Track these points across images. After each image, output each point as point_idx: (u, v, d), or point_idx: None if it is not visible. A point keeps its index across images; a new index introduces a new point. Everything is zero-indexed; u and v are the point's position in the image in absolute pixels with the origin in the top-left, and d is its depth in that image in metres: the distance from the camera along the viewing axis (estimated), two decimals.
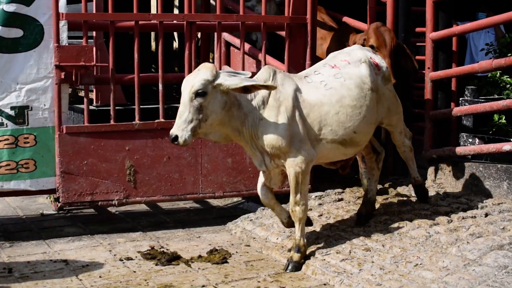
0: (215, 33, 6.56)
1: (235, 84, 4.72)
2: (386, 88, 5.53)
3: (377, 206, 6.09)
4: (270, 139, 4.90)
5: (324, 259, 5.06)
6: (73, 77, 5.83)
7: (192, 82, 4.72)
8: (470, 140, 6.72)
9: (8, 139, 5.80)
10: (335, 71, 5.25)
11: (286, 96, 4.95)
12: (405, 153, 5.93)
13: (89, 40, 6.21)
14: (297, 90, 5.03)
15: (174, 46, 11.56)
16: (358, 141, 5.27)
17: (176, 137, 4.67)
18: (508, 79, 6.91)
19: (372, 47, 5.97)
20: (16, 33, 5.83)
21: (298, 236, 5.09)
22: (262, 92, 4.93)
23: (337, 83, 5.18)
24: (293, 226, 5.20)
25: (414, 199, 6.20)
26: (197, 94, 4.68)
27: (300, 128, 4.97)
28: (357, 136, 5.23)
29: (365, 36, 6.22)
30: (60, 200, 5.88)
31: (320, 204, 6.25)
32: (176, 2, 10.65)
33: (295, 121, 4.96)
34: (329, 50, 6.93)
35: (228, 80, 4.75)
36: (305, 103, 5.02)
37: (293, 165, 4.96)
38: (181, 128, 4.68)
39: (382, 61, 5.57)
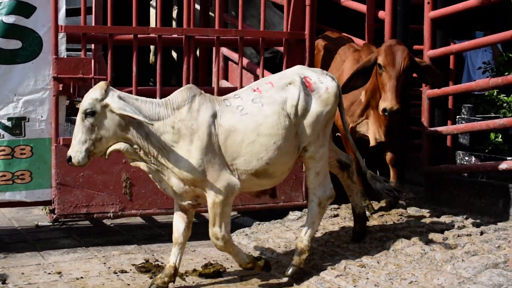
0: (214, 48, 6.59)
1: (118, 108, 4.55)
2: (321, 112, 5.02)
3: (373, 222, 6.09)
4: (183, 171, 4.67)
5: (319, 275, 5.05)
6: (71, 89, 5.84)
7: (82, 102, 4.63)
8: (467, 158, 6.74)
9: (4, 150, 5.80)
10: (255, 95, 4.91)
11: (200, 123, 4.71)
12: (311, 205, 5.16)
13: (87, 53, 6.23)
14: (214, 115, 4.77)
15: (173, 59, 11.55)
16: (272, 172, 4.90)
17: (70, 157, 4.59)
18: (505, 97, 6.94)
19: (380, 66, 5.72)
20: (15, 44, 5.85)
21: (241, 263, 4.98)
22: (176, 116, 4.72)
23: (255, 109, 4.85)
24: None
25: (409, 215, 6.20)
26: (86, 113, 4.55)
27: (218, 156, 4.74)
28: (270, 168, 4.87)
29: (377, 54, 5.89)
30: (56, 211, 5.87)
31: None
32: (174, 15, 10.68)
33: (211, 150, 4.72)
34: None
35: (115, 102, 4.56)
36: (221, 129, 4.76)
37: (211, 196, 4.75)
38: (75, 149, 4.58)
39: (322, 81, 5.09)
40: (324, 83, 5.10)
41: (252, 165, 4.81)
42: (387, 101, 5.56)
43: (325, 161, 5.17)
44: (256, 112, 4.84)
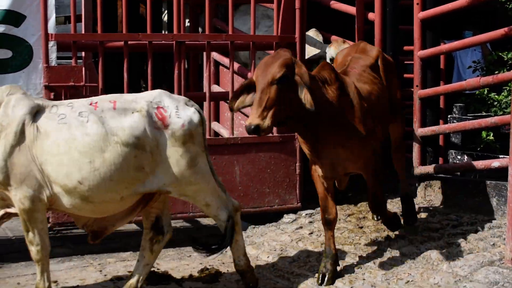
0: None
1: None
2: (175, 150, 4.56)
3: (367, 223, 6.10)
4: None
5: (316, 277, 5.05)
6: (63, 98, 5.81)
7: None
8: (459, 157, 6.76)
9: None
10: (86, 109, 4.51)
11: (11, 120, 4.43)
12: (223, 229, 4.85)
13: (78, 61, 6.22)
14: (31, 114, 4.46)
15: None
16: (88, 196, 4.44)
17: None
18: (496, 96, 6.97)
19: None
20: (5, 54, 5.85)
21: (38, 278, 4.61)
22: None
23: (76, 122, 4.45)
24: None
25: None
26: None
27: (24, 158, 4.40)
28: (86, 191, 4.42)
29: None
30: (50, 220, 5.85)
31: (310, 222, 6.25)
32: (165, 18, 10.69)
33: (18, 150, 4.40)
34: None
35: None
36: (35, 131, 4.43)
37: (16, 201, 4.45)
38: None
39: (179, 115, 4.59)
40: (182, 118, 4.60)
41: (60, 179, 4.43)
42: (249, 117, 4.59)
43: (208, 191, 4.72)
44: (75, 126, 4.45)
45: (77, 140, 4.42)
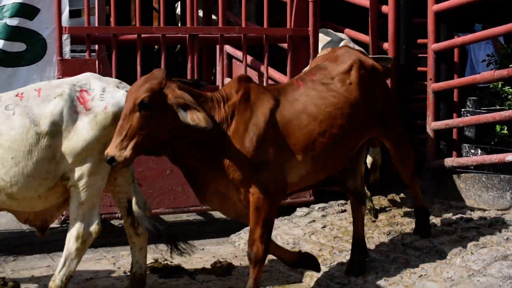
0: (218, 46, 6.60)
1: None
2: (94, 134, 4.31)
3: (381, 217, 6.09)
4: None
5: (328, 271, 5.05)
6: None
7: None
8: (473, 151, 6.73)
9: None
10: (13, 101, 4.33)
11: None
12: (68, 237, 4.42)
13: (92, 54, 6.24)
14: None
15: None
16: (11, 192, 4.28)
17: None
18: (510, 89, 6.93)
19: None
20: (19, 47, 5.87)
21: None
22: None
23: (3, 117, 4.28)
24: None
25: None
26: None
27: None
28: (8, 187, 4.27)
29: None
30: (64, 213, 5.87)
31: (323, 215, 6.25)
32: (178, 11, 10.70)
33: None
34: None
35: None
36: None
37: None
38: None
39: (104, 97, 4.35)
40: (106, 101, 4.37)
41: None
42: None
43: (95, 192, 4.39)
44: (1, 121, 4.28)
45: (3, 136, 4.26)
